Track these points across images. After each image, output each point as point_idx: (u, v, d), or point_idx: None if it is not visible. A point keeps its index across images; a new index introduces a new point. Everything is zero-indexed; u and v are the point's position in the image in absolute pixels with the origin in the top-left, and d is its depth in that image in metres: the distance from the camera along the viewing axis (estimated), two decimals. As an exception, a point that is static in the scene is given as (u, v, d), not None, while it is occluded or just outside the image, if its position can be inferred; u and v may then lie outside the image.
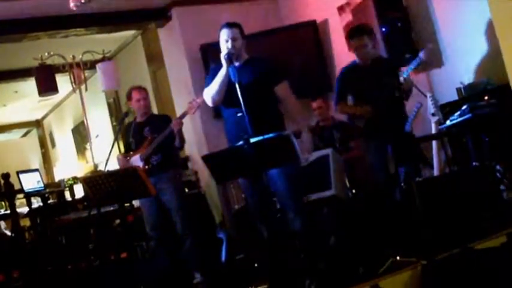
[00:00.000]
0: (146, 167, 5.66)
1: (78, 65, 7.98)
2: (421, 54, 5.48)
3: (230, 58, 4.48)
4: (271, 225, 4.63)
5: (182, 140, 5.77)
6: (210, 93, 4.66)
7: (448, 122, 5.87)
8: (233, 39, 4.57)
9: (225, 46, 4.58)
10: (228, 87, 4.54)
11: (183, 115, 5.68)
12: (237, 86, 4.35)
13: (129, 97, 6.02)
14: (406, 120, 5.76)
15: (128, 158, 5.84)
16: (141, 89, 6.05)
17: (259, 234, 4.68)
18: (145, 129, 5.85)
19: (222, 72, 4.55)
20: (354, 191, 6.19)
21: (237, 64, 4.58)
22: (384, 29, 6.63)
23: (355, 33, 5.64)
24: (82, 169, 11.61)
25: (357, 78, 5.58)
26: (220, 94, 4.61)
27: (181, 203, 5.79)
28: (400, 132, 5.60)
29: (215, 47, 4.74)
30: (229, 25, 4.65)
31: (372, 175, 5.70)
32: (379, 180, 5.55)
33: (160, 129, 5.70)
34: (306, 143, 4.63)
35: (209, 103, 4.72)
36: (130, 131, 5.98)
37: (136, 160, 5.74)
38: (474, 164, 5.52)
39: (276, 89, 4.65)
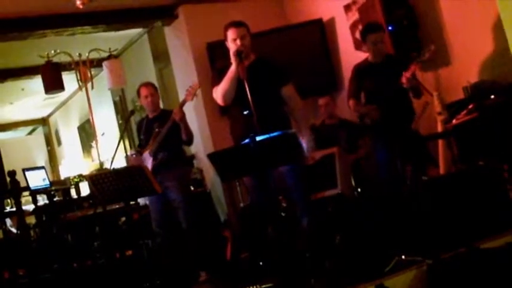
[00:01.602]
0: (154, 162, 5.68)
1: (84, 63, 7.99)
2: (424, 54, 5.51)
3: (240, 56, 4.49)
4: (276, 224, 4.63)
5: (189, 133, 5.77)
6: (220, 92, 4.65)
7: (454, 121, 5.85)
8: (242, 38, 4.59)
9: (233, 45, 4.59)
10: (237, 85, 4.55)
11: (182, 103, 5.68)
12: (245, 84, 4.35)
13: (138, 94, 6.08)
14: (414, 118, 5.77)
15: (140, 154, 5.87)
16: (149, 85, 6.10)
17: (264, 233, 4.68)
18: (155, 124, 5.88)
19: (232, 69, 4.55)
20: (359, 189, 6.18)
21: (245, 63, 4.59)
22: (390, 27, 6.61)
23: (374, 28, 5.68)
24: (88, 167, 11.63)
25: (369, 75, 5.62)
26: (231, 92, 4.61)
27: (186, 201, 5.80)
28: (407, 131, 5.61)
29: (222, 45, 4.74)
30: (237, 24, 4.66)
31: (379, 173, 5.70)
32: (386, 178, 5.54)
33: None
34: (307, 143, 4.63)
35: (220, 102, 4.71)
36: (142, 128, 6.02)
37: (146, 156, 5.77)
38: (480, 163, 5.50)
39: (282, 91, 4.66)
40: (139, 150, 6.01)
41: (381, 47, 5.62)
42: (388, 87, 5.50)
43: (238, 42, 4.58)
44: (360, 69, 5.76)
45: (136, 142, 6.38)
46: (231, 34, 4.63)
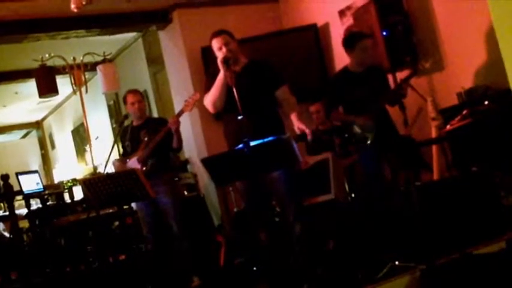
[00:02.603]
0: (144, 168, 5.65)
1: (78, 66, 7.99)
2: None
3: (227, 63, 4.49)
4: (269, 229, 4.62)
5: (180, 141, 5.76)
6: (210, 99, 4.66)
7: (448, 127, 5.86)
8: (226, 44, 4.60)
9: (220, 53, 4.60)
10: (227, 92, 4.54)
11: (180, 113, 5.67)
12: (234, 90, 4.35)
13: (125, 101, 6.03)
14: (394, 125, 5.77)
15: (125, 162, 5.84)
16: (136, 92, 6.05)
17: (257, 238, 4.67)
18: (142, 132, 5.84)
19: (220, 77, 4.56)
20: (353, 195, 6.18)
21: (236, 69, 4.60)
22: (385, 33, 6.61)
23: (363, 34, 5.70)
24: (81, 171, 11.60)
25: (348, 85, 5.55)
26: (220, 99, 4.61)
27: (177, 206, 5.78)
28: (396, 138, 5.61)
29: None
30: (218, 33, 4.68)
31: (368, 183, 5.69)
32: (375, 187, 5.54)
33: (157, 132, 5.70)
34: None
35: (210, 109, 4.72)
36: (127, 135, 5.98)
37: (133, 163, 5.73)
38: (474, 168, 5.51)
39: (277, 94, 4.66)
40: (123, 158, 5.97)
41: (371, 53, 5.59)
42: (371, 97, 5.47)
43: (223, 49, 4.59)
44: (341, 79, 5.68)
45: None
46: (215, 44, 4.65)
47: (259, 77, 4.63)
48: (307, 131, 4.51)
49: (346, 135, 5.65)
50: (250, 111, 4.33)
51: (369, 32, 6.00)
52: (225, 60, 4.49)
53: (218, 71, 4.60)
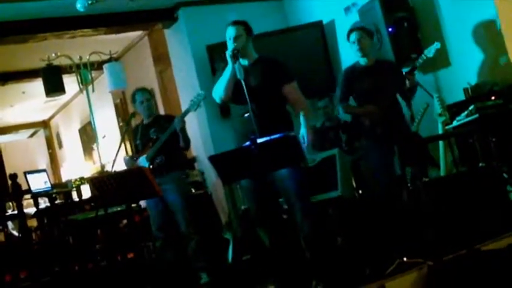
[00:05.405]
0: (151, 166, 5.66)
1: (85, 65, 8.01)
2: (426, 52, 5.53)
3: (235, 55, 4.50)
4: (274, 228, 4.61)
5: (186, 140, 5.77)
6: (216, 90, 4.68)
7: (454, 123, 5.85)
8: (236, 37, 4.60)
9: (230, 42, 4.61)
10: (236, 85, 4.55)
11: (186, 113, 5.68)
12: (243, 83, 4.36)
13: (133, 99, 6.03)
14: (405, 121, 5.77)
15: (135, 159, 5.86)
16: (144, 91, 6.05)
17: (261, 238, 4.67)
18: (151, 130, 5.85)
19: (228, 69, 4.57)
20: (360, 191, 6.18)
21: (246, 63, 4.61)
22: (390, 29, 6.61)
23: (353, 27, 5.77)
24: (89, 169, 11.64)
25: (359, 78, 5.61)
26: (226, 91, 4.62)
27: (185, 204, 5.78)
28: (406, 133, 5.61)
29: (222, 47, 4.75)
30: (234, 23, 4.69)
31: (375, 176, 5.68)
32: (383, 181, 5.53)
33: (166, 129, 5.71)
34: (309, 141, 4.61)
35: (216, 100, 4.73)
36: (138, 133, 5.99)
37: (142, 161, 5.76)
38: (481, 164, 5.51)
39: (284, 90, 4.65)
40: (132, 156, 5.99)
41: (363, 44, 5.60)
42: (381, 90, 5.51)
43: (232, 41, 4.60)
44: (351, 72, 5.74)
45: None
46: (228, 32, 4.66)
47: (268, 72, 4.62)
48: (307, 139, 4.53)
49: (355, 129, 5.68)
50: (258, 106, 4.34)
51: (368, 28, 6.01)
52: (233, 52, 4.50)
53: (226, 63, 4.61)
